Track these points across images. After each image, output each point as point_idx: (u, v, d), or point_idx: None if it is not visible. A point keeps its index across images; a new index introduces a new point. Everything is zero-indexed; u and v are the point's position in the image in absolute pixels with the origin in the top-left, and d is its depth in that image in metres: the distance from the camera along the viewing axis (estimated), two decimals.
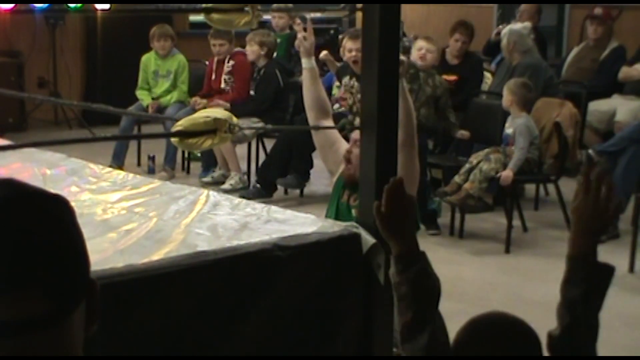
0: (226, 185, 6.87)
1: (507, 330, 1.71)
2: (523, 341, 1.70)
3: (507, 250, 5.54)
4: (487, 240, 5.79)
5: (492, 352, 1.67)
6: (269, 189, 6.73)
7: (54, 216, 1.08)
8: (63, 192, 1.21)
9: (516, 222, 5.80)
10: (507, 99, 5.88)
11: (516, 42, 6.89)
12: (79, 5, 3.44)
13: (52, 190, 1.12)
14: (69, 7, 3.38)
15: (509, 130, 5.90)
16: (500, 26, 8.33)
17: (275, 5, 7.05)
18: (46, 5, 3.16)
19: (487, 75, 7.77)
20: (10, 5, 2.80)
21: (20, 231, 1.04)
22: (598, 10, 7.83)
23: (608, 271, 1.79)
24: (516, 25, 7.23)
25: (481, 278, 5.03)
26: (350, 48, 6.00)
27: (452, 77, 6.85)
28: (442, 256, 5.14)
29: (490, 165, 5.73)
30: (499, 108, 6.11)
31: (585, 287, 1.76)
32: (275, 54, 7.38)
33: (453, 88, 6.69)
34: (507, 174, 5.63)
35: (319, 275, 2.55)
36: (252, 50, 7.16)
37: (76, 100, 9.12)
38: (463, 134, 6.37)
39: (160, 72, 7.55)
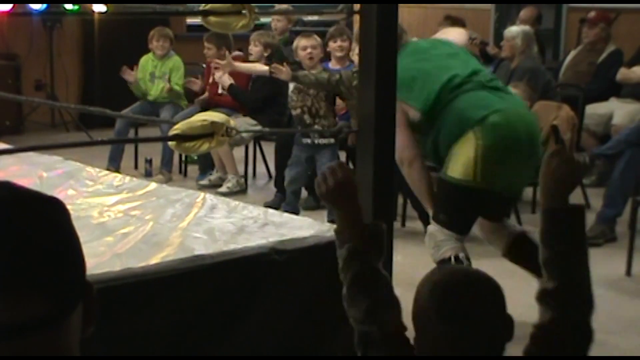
0: (223, 189, 6.85)
1: (470, 284, 1.71)
2: (488, 292, 1.70)
3: None
4: (484, 243, 5.77)
5: (458, 305, 1.66)
6: None
7: (49, 219, 1.08)
8: (60, 195, 1.21)
9: None
10: None
11: (528, 44, 6.89)
12: (76, 7, 3.41)
13: (48, 193, 1.12)
14: (66, 9, 3.35)
15: None
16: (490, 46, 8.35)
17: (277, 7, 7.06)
18: (44, 6, 3.14)
19: None
20: (7, 7, 2.79)
21: (16, 234, 1.04)
22: (592, 13, 7.84)
23: (580, 210, 1.84)
24: (519, 27, 7.23)
25: None
26: (304, 46, 6.08)
27: None
28: None
29: None
30: None
31: (568, 237, 1.80)
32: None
33: None
34: None
35: (316, 278, 2.54)
36: (256, 50, 7.14)
37: (73, 103, 9.12)
38: None
39: (156, 73, 7.55)
